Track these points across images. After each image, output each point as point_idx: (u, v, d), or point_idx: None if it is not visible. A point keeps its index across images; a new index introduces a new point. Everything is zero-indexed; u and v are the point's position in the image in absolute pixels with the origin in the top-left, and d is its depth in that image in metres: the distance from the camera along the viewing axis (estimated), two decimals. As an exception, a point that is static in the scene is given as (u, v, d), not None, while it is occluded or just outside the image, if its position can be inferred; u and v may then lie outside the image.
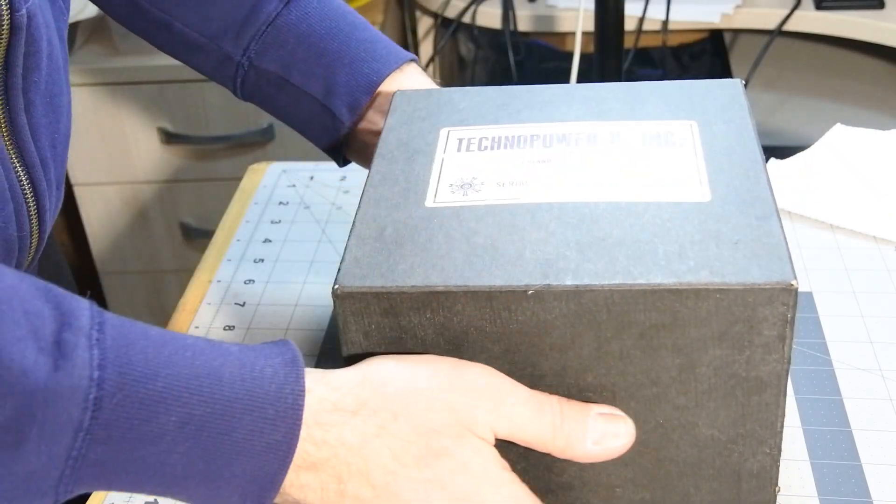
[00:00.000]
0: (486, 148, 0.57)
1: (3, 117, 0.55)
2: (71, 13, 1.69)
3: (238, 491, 0.46)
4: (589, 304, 0.47)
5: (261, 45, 0.69)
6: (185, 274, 1.67)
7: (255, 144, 1.60)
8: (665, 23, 1.54)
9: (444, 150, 0.57)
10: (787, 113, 1.55)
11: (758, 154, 0.54)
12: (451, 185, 0.54)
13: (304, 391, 0.46)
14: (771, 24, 1.52)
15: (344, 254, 0.50)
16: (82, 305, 0.44)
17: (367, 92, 0.67)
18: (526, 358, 0.49)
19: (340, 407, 0.47)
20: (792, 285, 0.46)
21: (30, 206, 0.59)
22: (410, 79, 0.70)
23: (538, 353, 0.49)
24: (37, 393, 0.41)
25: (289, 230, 0.83)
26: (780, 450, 0.51)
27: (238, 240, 0.82)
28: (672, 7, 1.54)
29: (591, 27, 1.31)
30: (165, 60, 1.54)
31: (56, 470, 0.42)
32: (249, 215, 0.85)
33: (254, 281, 0.77)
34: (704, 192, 0.52)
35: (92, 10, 1.54)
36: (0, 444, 0.41)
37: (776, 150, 0.87)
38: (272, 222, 0.84)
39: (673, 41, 1.64)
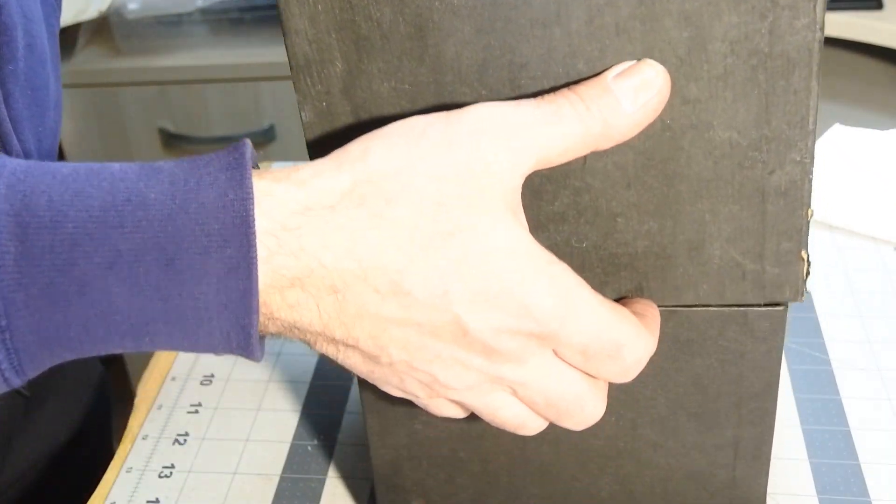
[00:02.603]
0: None
1: None
2: (73, 14, 1.68)
3: (213, 325, 0.38)
4: None
5: None
6: (185, 274, 1.67)
7: (256, 145, 1.61)
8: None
9: None
10: (786, 113, 1.55)
11: None
12: None
13: (251, 193, 0.37)
14: (770, 25, 1.53)
15: None
16: None
17: None
18: (503, 41, 0.41)
19: (313, 204, 0.38)
20: None
21: None
22: None
23: (518, 32, 0.41)
24: None
25: (290, 230, 0.83)
26: (812, 158, 0.43)
27: (239, 240, 0.82)
28: (671, 8, 1.54)
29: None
30: (167, 61, 1.56)
31: None
32: (251, 216, 0.85)
33: (255, 281, 0.77)
34: None
35: (94, 11, 1.54)
36: None
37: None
38: (273, 223, 0.84)
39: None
